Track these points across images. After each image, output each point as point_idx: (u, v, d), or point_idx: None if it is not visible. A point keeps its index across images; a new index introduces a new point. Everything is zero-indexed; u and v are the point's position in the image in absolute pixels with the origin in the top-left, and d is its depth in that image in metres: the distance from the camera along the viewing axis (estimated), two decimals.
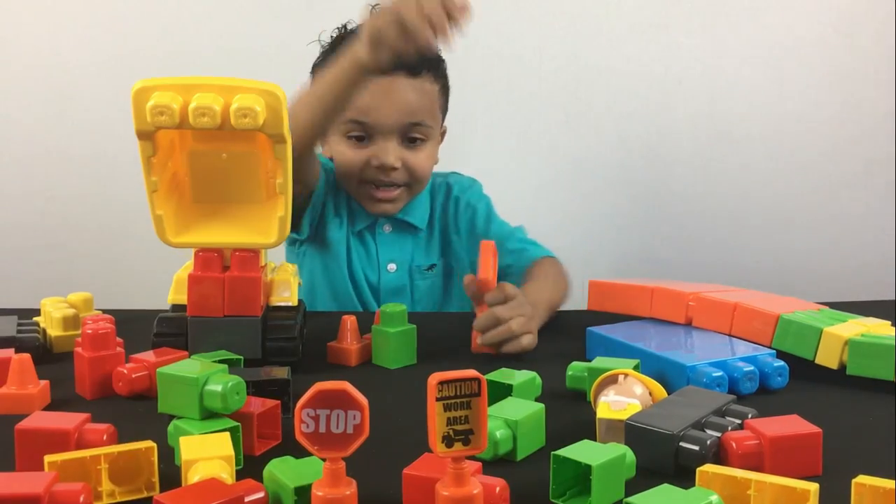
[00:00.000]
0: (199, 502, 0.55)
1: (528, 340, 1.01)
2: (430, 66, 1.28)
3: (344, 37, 1.31)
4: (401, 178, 1.29)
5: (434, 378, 0.55)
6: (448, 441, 0.55)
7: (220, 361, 0.78)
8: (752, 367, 0.87)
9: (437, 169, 1.40)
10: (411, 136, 1.29)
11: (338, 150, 1.31)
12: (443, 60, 1.33)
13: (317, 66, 1.34)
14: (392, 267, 1.36)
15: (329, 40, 1.34)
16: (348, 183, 1.33)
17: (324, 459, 0.56)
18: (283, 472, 0.61)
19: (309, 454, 0.56)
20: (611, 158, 1.92)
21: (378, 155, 1.27)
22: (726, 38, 1.88)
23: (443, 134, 1.40)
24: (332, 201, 1.36)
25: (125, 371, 0.85)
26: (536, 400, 0.80)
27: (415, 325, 1.00)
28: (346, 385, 0.54)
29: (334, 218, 1.35)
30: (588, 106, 1.90)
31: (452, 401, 0.55)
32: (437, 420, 0.55)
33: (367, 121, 1.26)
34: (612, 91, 1.89)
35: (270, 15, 1.88)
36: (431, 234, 1.39)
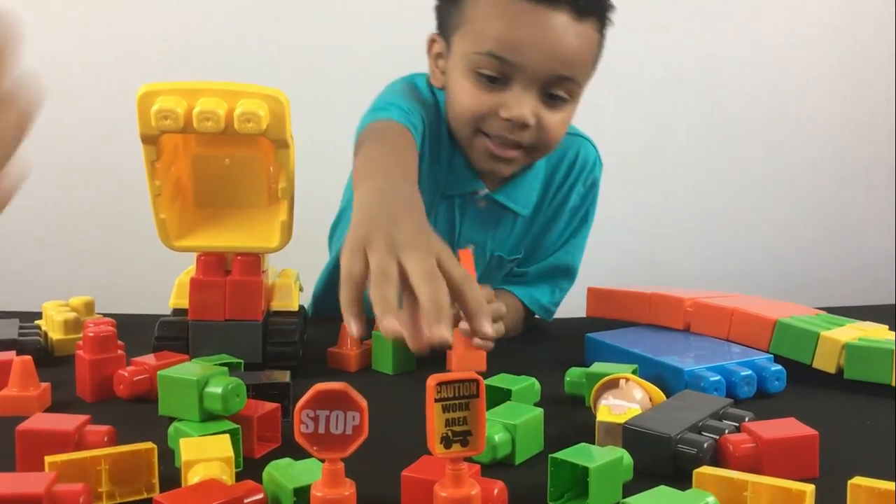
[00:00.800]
0: (198, 503, 0.55)
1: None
2: (596, 9, 1.04)
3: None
4: (528, 139, 1.05)
5: (433, 379, 0.55)
6: (446, 442, 0.56)
7: (221, 365, 0.78)
8: (749, 372, 0.87)
9: None
10: (554, 92, 1.04)
11: (459, 87, 1.06)
12: (613, 6, 1.08)
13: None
14: (470, 248, 1.12)
15: None
16: (461, 128, 1.08)
17: (323, 460, 0.56)
18: (283, 473, 0.61)
19: (308, 456, 0.57)
20: (611, 159, 1.93)
21: (510, 105, 1.02)
22: (726, 38, 1.89)
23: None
24: (428, 148, 1.11)
25: (126, 374, 0.85)
26: (535, 405, 0.80)
27: None
28: (346, 386, 0.55)
29: (433, 166, 1.12)
30: (589, 106, 1.91)
31: (451, 402, 0.56)
32: (435, 421, 0.55)
33: (510, 58, 1.00)
34: (612, 91, 1.90)
35: (271, 16, 1.88)
36: (534, 221, 1.19)
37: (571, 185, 1.20)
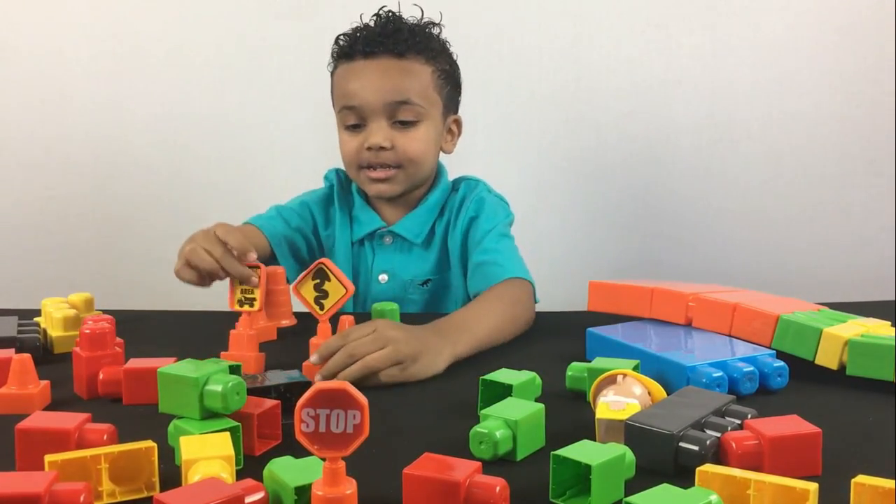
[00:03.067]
0: (199, 502, 0.55)
1: (389, 373, 0.92)
2: (416, 48, 1.30)
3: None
4: (392, 159, 1.29)
5: None
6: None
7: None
8: (751, 368, 0.87)
9: (449, 167, 1.41)
10: (401, 118, 1.29)
11: (340, 140, 1.34)
12: (439, 43, 1.35)
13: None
14: (383, 278, 1.37)
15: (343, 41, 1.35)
16: (350, 171, 1.35)
17: (324, 459, 0.56)
18: (284, 471, 0.61)
19: (309, 454, 0.56)
20: (611, 158, 1.92)
21: (368, 137, 1.28)
22: (726, 38, 1.88)
23: (457, 124, 1.41)
24: (343, 205, 1.40)
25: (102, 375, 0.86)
26: (536, 400, 0.80)
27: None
28: (346, 385, 0.55)
29: (342, 222, 1.39)
30: (588, 106, 1.91)
31: None
32: None
33: (355, 104, 1.28)
34: (612, 91, 1.89)
35: (272, 15, 1.88)
36: (430, 248, 1.37)
37: (457, 213, 1.37)
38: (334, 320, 1.00)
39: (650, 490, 0.55)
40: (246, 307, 1.00)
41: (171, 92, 1.90)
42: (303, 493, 0.58)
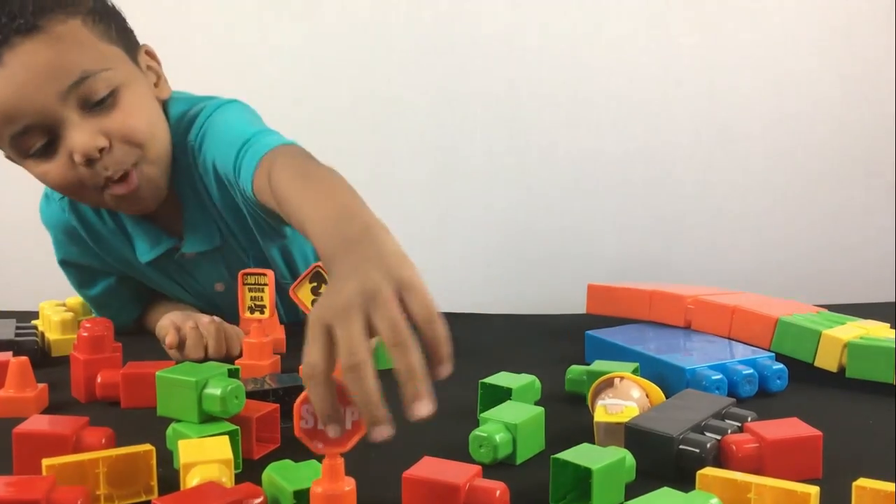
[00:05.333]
0: None
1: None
2: (44, 7, 0.91)
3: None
4: (122, 156, 0.96)
5: None
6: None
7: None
8: (751, 370, 0.87)
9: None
10: (92, 100, 0.94)
11: (39, 175, 0.99)
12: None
13: None
14: (220, 287, 1.15)
15: None
16: (88, 202, 1.05)
17: (322, 456, 0.55)
18: (283, 475, 0.61)
19: (308, 457, 0.56)
20: (610, 159, 1.92)
21: (72, 147, 0.93)
22: (726, 38, 1.88)
23: (150, 56, 1.05)
24: (97, 236, 1.12)
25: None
26: (536, 403, 0.80)
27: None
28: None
29: (114, 245, 1.12)
30: (588, 106, 1.90)
31: None
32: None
33: (24, 122, 0.93)
34: (612, 91, 1.89)
35: (272, 15, 1.87)
36: (228, 221, 1.09)
37: (205, 165, 1.04)
38: None
39: (651, 494, 0.55)
40: (257, 314, 0.98)
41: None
42: (301, 496, 0.58)
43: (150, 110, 1.00)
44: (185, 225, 1.08)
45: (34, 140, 0.94)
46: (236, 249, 1.12)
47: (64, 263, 1.16)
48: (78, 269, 1.16)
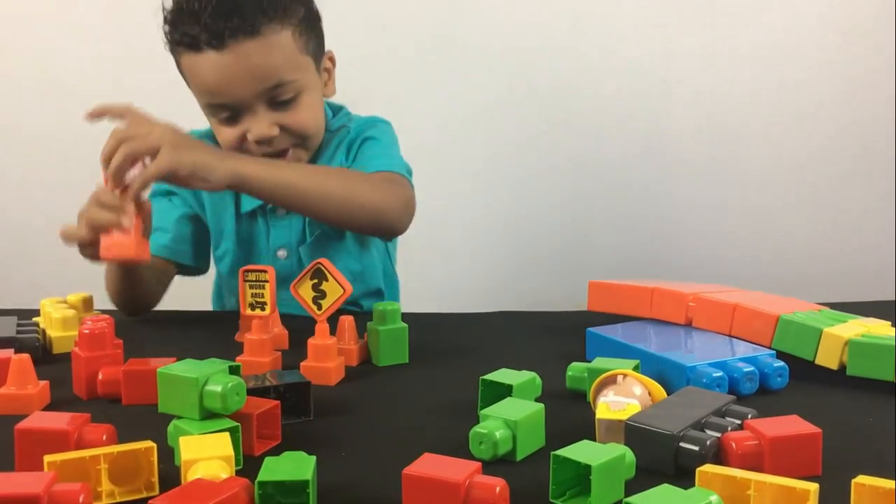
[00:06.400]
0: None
1: (163, 160, 0.97)
2: (267, 15, 1.11)
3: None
4: (285, 142, 1.18)
5: None
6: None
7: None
8: (751, 368, 0.87)
9: (342, 101, 1.31)
10: (280, 100, 1.15)
11: (215, 131, 1.20)
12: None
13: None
14: (282, 254, 1.26)
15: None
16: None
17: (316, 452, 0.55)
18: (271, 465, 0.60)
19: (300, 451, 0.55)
20: (611, 158, 1.92)
21: (251, 129, 1.15)
22: (726, 38, 1.89)
23: (331, 61, 1.26)
24: None
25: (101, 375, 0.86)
26: (536, 400, 0.80)
27: (406, 325, 1.00)
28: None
29: (222, 201, 1.26)
30: (588, 106, 1.90)
31: None
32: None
33: (222, 101, 1.14)
34: (612, 91, 1.89)
35: None
36: None
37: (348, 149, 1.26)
38: (333, 320, 1.00)
39: (650, 490, 0.55)
40: (258, 310, 0.99)
41: (170, 91, 1.89)
42: (266, 486, 0.58)
43: (320, 110, 1.21)
44: None
45: (223, 112, 1.15)
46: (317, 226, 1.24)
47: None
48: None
